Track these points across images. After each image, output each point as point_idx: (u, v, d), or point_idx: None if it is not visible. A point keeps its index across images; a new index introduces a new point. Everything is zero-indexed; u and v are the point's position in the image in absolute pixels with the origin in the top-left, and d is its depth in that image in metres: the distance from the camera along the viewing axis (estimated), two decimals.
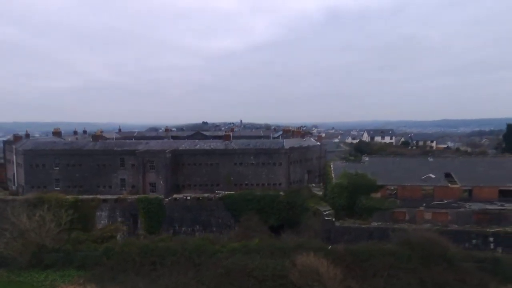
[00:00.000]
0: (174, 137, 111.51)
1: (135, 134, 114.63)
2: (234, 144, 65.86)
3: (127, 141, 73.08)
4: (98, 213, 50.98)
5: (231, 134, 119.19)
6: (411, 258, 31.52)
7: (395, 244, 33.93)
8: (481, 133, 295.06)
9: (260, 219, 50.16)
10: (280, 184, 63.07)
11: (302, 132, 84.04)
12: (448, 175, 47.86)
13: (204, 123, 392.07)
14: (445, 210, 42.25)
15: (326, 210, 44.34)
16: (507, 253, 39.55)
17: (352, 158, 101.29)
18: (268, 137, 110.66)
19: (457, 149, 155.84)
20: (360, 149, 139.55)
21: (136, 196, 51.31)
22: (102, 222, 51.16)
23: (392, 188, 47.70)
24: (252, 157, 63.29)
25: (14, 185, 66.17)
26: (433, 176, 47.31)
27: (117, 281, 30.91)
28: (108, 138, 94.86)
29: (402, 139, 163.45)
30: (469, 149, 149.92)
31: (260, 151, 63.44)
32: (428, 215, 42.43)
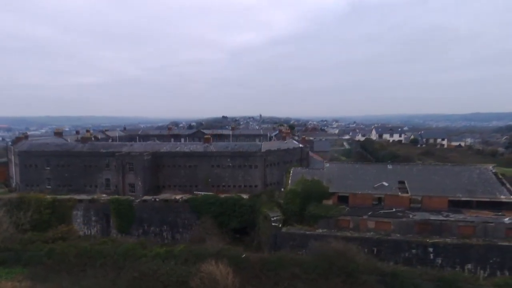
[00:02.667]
0: (175, 136, 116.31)
1: (139, 132, 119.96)
2: (212, 147, 68.29)
3: (114, 143, 77.36)
4: (74, 212, 55.34)
5: (232, 132, 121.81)
6: (315, 268, 32.87)
7: (311, 254, 35.36)
8: (509, 128, 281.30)
9: (221, 221, 52.89)
10: (256, 186, 65.14)
11: (288, 133, 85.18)
12: (402, 183, 48.17)
13: (224, 117, 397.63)
14: (388, 219, 42.84)
15: (275, 215, 46.04)
16: (446, 264, 40.07)
17: (344, 158, 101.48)
18: (266, 136, 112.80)
19: (469, 148, 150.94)
20: (365, 148, 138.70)
21: (108, 197, 55.07)
22: (78, 220, 55.57)
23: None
24: (229, 160, 65.61)
25: (14, 183, 72.25)
26: (386, 184, 47.78)
27: (49, 280, 34.52)
28: (112, 137, 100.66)
29: (412, 137, 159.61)
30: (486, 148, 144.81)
31: (237, 154, 65.56)
32: (371, 224, 43.15)
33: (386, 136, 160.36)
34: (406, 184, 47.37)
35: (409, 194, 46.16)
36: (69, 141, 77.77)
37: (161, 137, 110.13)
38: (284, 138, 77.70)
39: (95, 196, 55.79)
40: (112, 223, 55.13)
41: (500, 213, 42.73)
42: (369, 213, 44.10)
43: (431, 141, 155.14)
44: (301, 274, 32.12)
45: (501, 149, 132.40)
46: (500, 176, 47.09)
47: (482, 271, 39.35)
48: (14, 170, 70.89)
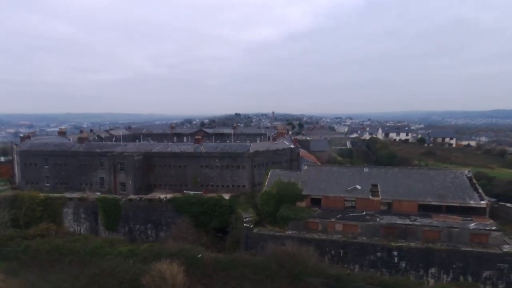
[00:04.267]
0: (177, 134, 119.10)
1: (143, 131, 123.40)
2: (202, 147, 70.11)
3: (108, 143, 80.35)
4: (65, 210, 58.39)
5: (233, 131, 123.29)
6: (263, 269, 33.96)
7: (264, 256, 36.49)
8: None
9: (203, 221, 54.71)
10: (243, 186, 66.67)
11: (282, 133, 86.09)
12: (376, 187, 48.54)
13: (237, 114, 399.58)
14: (355, 222, 43.46)
15: (248, 216, 47.36)
16: (410, 268, 40.51)
17: (340, 159, 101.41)
18: (265, 135, 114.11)
19: (479, 147, 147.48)
20: (369, 147, 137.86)
21: (96, 196, 57.79)
22: (68, 218, 58.63)
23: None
24: (217, 160, 67.35)
25: (17, 180, 76.33)
26: (359, 187, 48.29)
27: (20, 274, 37.16)
28: (115, 136, 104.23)
29: (419, 136, 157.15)
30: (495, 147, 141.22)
31: (225, 155, 67.21)
32: (339, 227, 43.88)
33: (393, 135, 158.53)
34: (379, 188, 47.78)
35: (380, 197, 46.58)
36: (71, 140, 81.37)
37: (165, 136, 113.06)
38: (274, 139, 78.70)
39: (84, 195, 58.56)
40: (100, 221, 57.82)
41: (468, 218, 42.69)
42: (338, 216, 44.85)
43: (439, 140, 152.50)
44: (250, 275, 33.45)
45: (510, 149, 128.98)
46: (474, 181, 46.75)
47: (445, 276, 39.76)
48: (16, 168, 74.86)
